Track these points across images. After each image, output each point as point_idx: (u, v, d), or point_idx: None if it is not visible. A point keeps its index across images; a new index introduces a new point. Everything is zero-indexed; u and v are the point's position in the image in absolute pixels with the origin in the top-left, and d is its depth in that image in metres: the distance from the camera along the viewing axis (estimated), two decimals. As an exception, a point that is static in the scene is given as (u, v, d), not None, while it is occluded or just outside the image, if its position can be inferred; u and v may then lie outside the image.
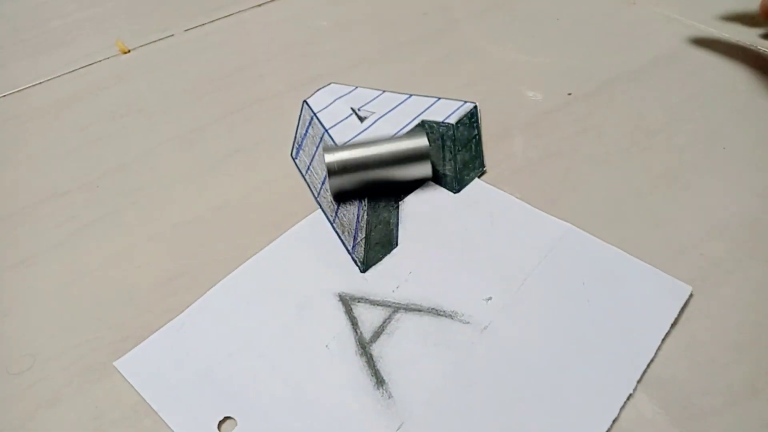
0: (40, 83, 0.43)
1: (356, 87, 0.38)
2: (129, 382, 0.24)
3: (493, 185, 0.31)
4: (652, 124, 0.35)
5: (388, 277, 0.27)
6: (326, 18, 0.48)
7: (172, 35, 0.47)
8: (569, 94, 0.38)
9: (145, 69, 0.44)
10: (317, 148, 0.34)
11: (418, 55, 0.43)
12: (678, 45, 0.42)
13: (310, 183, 0.32)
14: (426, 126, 0.34)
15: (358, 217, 0.29)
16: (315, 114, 0.36)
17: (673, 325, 0.25)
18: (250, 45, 0.46)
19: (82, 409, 0.24)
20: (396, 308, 0.26)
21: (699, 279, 0.26)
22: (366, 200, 0.30)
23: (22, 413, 0.24)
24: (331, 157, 0.29)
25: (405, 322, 0.25)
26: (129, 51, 0.46)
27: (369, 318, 0.26)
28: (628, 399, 0.23)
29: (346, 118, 0.35)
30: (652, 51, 0.41)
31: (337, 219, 0.30)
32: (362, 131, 0.34)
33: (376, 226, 0.29)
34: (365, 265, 0.28)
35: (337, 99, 0.37)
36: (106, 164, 0.36)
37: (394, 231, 0.29)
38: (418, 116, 0.34)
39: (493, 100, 0.37)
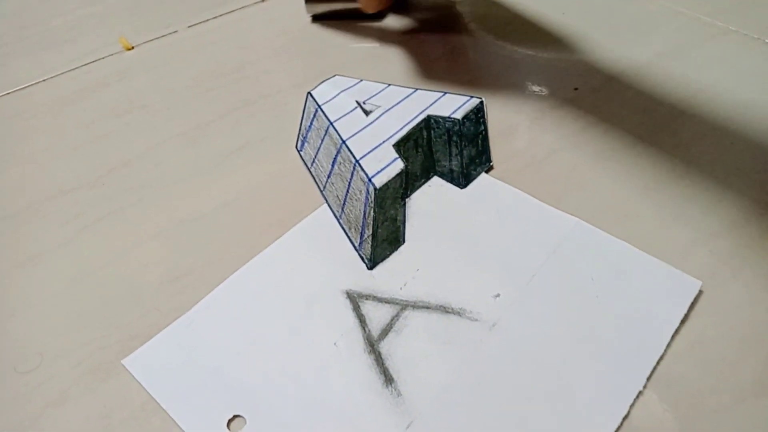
0: (44, 80, 0.43)
1: (361, 80, 0.38)
2: (137, 381, 0.24)
3: (500, 180, 0.31)
4: (658, 119, 0.35)
5: (396, 274, 0.27)
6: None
7: (176, 31, 0.47)
8: (576, 89, 0.38)
9: (149, 65, 0.44)
10: (322, 140, 0.33)
11: (420, 50, 0.42)
12: (684, 39, 0.42)
13: (315, 176, 0.32)
14: (432, 121, 0.33)
15: (364, 214, 0.29)
16: (319, 106, 0.36)
17: (682, 322, 0.25)
18: (253, 41, 0.46)
19: (90, 408, 0.24)
20: (404, 306, 0.26)
21: (707, 275, 0.26)
22: (373, 196, 0.29)
23: (31, 412, 0.24)
24: None
25: (413, 319, 0.25)
26: (132, 48, 0.45)
27: (377, 315, 0.26)
28: (638, 396, 0.23)
29: (351, 111, 0.35)
30: (658, 45, 0.41)
31: (343, 215, 0.30)
32: (367, 125, 0.34)
33: (383, 223, 0.29)
34: (372, 262, 0.28)
35: (341, 91, 0.37)
36: (111, 161, 0.35)
37: (401, 228, 0.29)
38: (423, 111, 0.34)
39: (499, 96, 0.37)
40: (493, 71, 0.40)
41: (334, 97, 0.36)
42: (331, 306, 0.26)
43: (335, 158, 0.32)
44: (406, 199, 0.30)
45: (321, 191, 0.31)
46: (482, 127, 0.33)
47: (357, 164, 0.30)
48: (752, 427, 0.22)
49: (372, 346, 0.25)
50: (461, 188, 0.31)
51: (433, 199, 0.31)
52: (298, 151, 0.34)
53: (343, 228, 0.29)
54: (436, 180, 0.32)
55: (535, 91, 0.38)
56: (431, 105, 0.34)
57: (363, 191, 0.30)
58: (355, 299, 0.26)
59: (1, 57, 0.46)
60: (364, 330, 0.25)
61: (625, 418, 0.22)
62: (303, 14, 0.48)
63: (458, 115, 0.33)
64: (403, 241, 0.29)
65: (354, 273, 0.27)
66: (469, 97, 0.35)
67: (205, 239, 0.30)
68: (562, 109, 0.36)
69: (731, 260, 0.27)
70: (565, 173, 0.32)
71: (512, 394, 0.23)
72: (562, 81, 0.38)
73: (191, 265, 0.29)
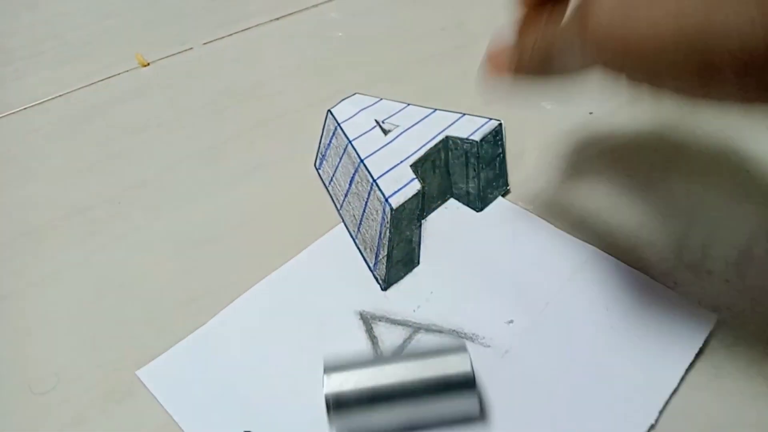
0: (60, 96, 0.43)
1: (381, 99, 0.38)
2: (152, 405, 0.24)
3: (516, 204, 0.31)
4: (672, 147, 0.35)
5: (410, 296, 0.27)
6: (344, 32, 0.48)
7: (191, 48, 0.48)
8: (591, 113, 0.37)
9: (165, 83, 0.44)
10: (341, 159, 0.34)
11: (436, 71, 0.43)
12: None
13: (333, 194, 0.32)
14: (450, 142, 0.34)
15: (380, 234, 0.29)
16: (339, 124, 0.36)
17: (698, 355, 0.24)
18: (268, 59, 0.46)
19: (106, 430, 0.24)
20: (416, 328, 0.26)
21: (725, 306, 0.26)
22: (389, 217, 0.30)
23: None
24: (332, 386, 0.21)
25: (425, 343, 0.25)
26: (148, 64, 0.46)
27: (389, 337, 0.26)
28: (650, 429, 0.22)
29: (370, 130, 0.35)
30: None
31: (359, 234, 0.30)
32: (386, 144, 0.34)
33: (398, 244, 0.29)
34: (387, 284, 0.28)
35: (361, 110, 0.37)
36: (127, 180, 0.36)
37: (416, 249, 0.29)
38: (442, 132, 0.34)
39: (514, 118, 0.37)
40: (508, 94, 0.40)
41: (354, 115, 0.36)
42: (343, 326, 0.26)
43: (353, 177, 0.32)
44: (422, 221, 0.30)
45: (338, 210, 0.31)
46: (500, 150, 0.33)
47: (374, 184, 0.30)
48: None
49: (384, 368, 0.25)
50: (477, 211, 0.31)
51: (448, 221, 0.31)
52: (317, 169, 0.34)
53: (358, 248, 0.30)
54: (452, 202, 0.32)
55: (549, 115, 0.38)
56: (450, 126, 0.35)
57: (379, 211, 0.30)
58: (368, 320, 0.26)
59: (17, 72, 0.47)
60: (377, 352, 0.25)
61: (637, 451, 0.22)
62: (319, 32, 0.48)
63: (476, 137, 0.33)
64: (418, 263, 0.29)
65: (368, 294, 0.28)
66: (487, 119, 0.35)
67: (222, 260, 0.30)
68: (577, 133, 0.36)
69: (750, 291, 0.27)
70: (580, 199, 0.32)
71: (522, 423, 0.23)
72: (577, 105, 0.38)
73: (207, 287, 0.29)
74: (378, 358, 0.24)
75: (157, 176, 0.36)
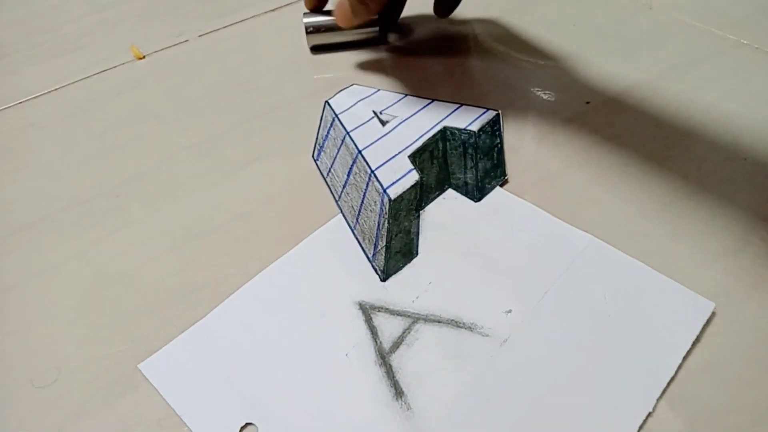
0: (56, 89, 0.43)
1: (378, 89, 0.38)
2: (153, 397, 0.24)
3: (514, 194, 0.31)
4: (671, 133, 0.35)
5: (408, 286, 0.27)
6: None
7: (187, 40, 0.47)
8: (587, 102, 0.37)
9: (161, 75, 0.44)
10: (338, 150, 0.34)
11: (434, 61, 0.42)
12: (696, 52, 0.41)
13: (331, 185, 0.32)
14: (448, 133, 0.34)
15: (378, 225, 0.29)
16: (336, 115, 0.36)
17: (695, 342, 0.25)
18: (265, 50, 0.46)
19: (107, 423, 0.24)
20: (415, 319, 0.26)
21: (721, 294, 0.26)
22: (387, 207, 0.30)
23: (49, 427, 0.24)
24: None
25: (424, 333, 0.26)
26: (144, 57, 0.46)
27: (388, 328, 0.26)
28: (647, 416, 0.22)
29: (368, 121, 0.35)
30: (669, 58, 0.41)
31: (357, 225, 0.30)
32: (383, 135, 0.34)
33: (396, 235, 0.29)
34: (385, 274, 0.28)
35: (359, 101, 0.37)
36: (124, 172, 0.36)
37: (415, 240, 0.29)
38: (439, 122, 0.34)
39: (511, 109, 0.37)
40: (505, 85, 0.40)
41: (352, 106, 0.36)
42: (343, 317, 0.26)
43: (351, 168, 0.32)
44: (420, 211, 0.30)
45: (336, 201, 0.31)
46: (498, 140, 0.33)
47: (372, 174, 0.30)
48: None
49: (383, 358, 0.25)
50: (475, 201, 0.31)
51: (447, 211, 0.31)
52: (315, 160, 0.34)
53: (357, 239, 0.30)
54: (450, 192, 0.32)
55: (546, 105, 0.38)
56: (447, 116, 0.35)
57: (378, 202, 0.30)
58: (367, 311, 0.27)
59: (12, 65, 0.46)
60: (376, 342, 0.25)
61: (635, 438, 0.22)
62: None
63: (474, 127, 0.33)
64: (417, 254, 0.29)
65: (367, 284, 0.28)
66: (485, 109, 0.35)
67: (221, 251, 0.30)
68: (574, 122, 0.36)
69: (745, 278, 0.27)
70: (578, 188, 0.32)
71: (522, 411, 0.23)
72: (573, 94, 0.38)
73: (205, 279, 0.29)
74: None
75: (155, 169, 0.36)
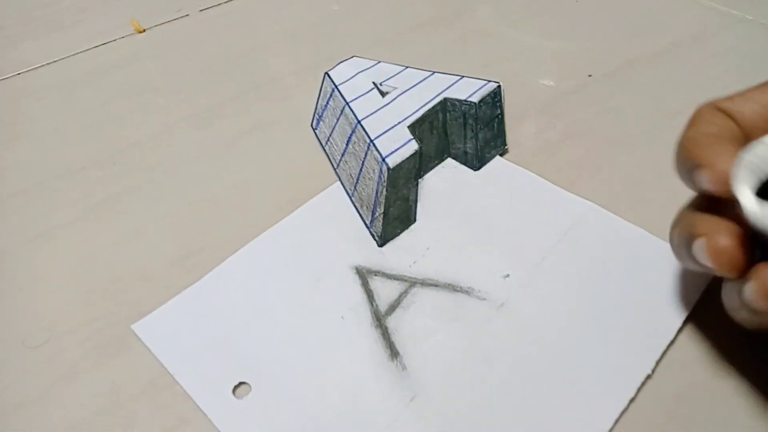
0: (55, 61, 0.43)
1: (379, 61, 0.38)
2: (145, 357, 0.24)
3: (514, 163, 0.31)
4: (672, 106, 0.35)
5: (406, 252, 0.27)
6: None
7: (187, 15, 0.47)
8: (589, 75, 0.37)
9: (160, 49, 0.44)
10: (337, 120, 0.34)
11: (433, 37, 0.42)
12: (698, 27, 0.41)
13: (329, 154, 0.32)
14: (448, 104, 0.33)
15: (377, 193, 0.29)
16: (336, 86, 0.36)
17: (695, 308, 0.24)
18: (264, 24, 0.46)
19: (99, 383, 0.24)
20: (412, 283, 0.26)
21: None
22: (386, 176, 0.29)
23: (40, 386, 0.24)
24: None
25: (421, 296, 0.25)
26: (144, 30, 0.46)
27: (385, 291, 0.26)
28: (646, 379, 0.22)
29: (368, 92, 0.35)
30: (672, 33, 0.41)
31: (356, 193, 0.30)
32: (383, 106, 0.34)
33: (395, 202, 0.29)
34: (383, 240, 0.28)
35: (359, 72, 0.37)
36: (122, 142, 0.36)
37: (413, 207, 0.29)
38: (440, 93, 0.34)
39: (512, 82, 0.37)
40: (508, 57, 0.40)
41: (352, 77, 0.36)
42: (339, 280, 0.26)
43: (350, 138, 0.32)
44: (420, 180, 0.30)
45: (335, 169, 0.31)
46: (498, 111, 0.33)
47: (371, 144, 0.30)
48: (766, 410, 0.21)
49: (379, 320, 0.25)
50: (475, 170, 0.31)
51: (446, 180, 0.30)
52: (314, 129, 0.34)
53: (355, 206, 0.29)
54: (450, 161, 0.32)
55: (549, 77, 0.38)
56: (448, 88, 0.34)
57: (376, 171, 0.30)
58: (364, 275, 0.26)
59: (11, 37, 0.46)
60: (372, 305, 0.25)
61: (632, 400, 0.22)
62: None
63: (475, 99, 0.33)
64: (415, 220, 0.29)
65: (364, 249, 0.27)
66: (486, 81, 0.35)
67: (216, 219, 0.30)
68: (576, 94, 0.36)
69: None
70: (578, 158, 0.32)
71: (518, 373, 0.23)
72: (576, 67, 0.38)
73: (201, 244, 0.29)
74: None
75: (152, 139, 0.36)
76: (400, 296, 0.25)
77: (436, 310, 0.25)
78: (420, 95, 0.34)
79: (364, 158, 0.30)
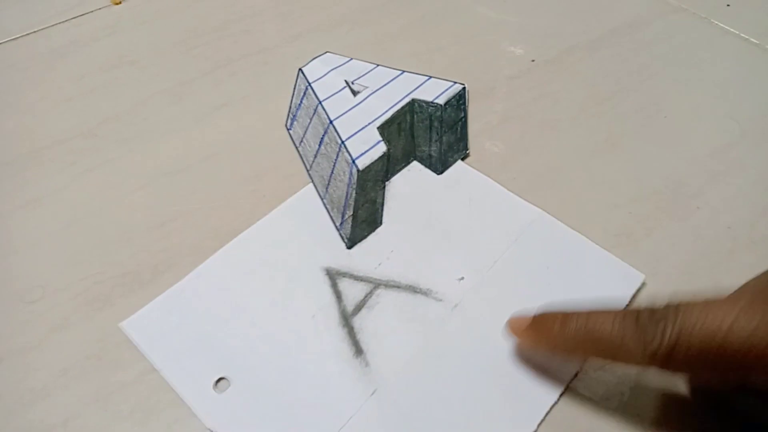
0: (35, 32, 0.44)
1: (351, 59, 0.39)
2: (127, 308, 0.28)
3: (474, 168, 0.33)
4: (603, 92, 0.38)
5: (372, 254, 0.30)
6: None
7: None
8: (532, 60, 0.41)
9: (137, 21, 0.45)
10: (311, 119, 0.35)
11: (397, 14, 0.45)
12: (637, 15, 0.44)
13: (303, 155, 0.34)
14: (416, 105, 0.35)
15: (347, 195, 0.31)
16: (310, 84, 0.37)
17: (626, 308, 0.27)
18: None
19: (88, 333, 0.27)
20: (377, 284, 0.29)
21: (624, 235, 0.31)
22: (356, 178, 0.32)
23: (37, 336, 0.27)
24: None
25: (384, 297, 0.28)
26: (120, 2, 0.47)
27: (352, 292, 0.28)
28: (576, 374, 0.26)
29: (340, 90, 0.36)
30: (612, 20, 0.44)
31: (327, 195, 0.32)
32: (354, 106, 0.35)
33: (363, 205, 0.31)
34: (351, 242, 0.30)
35: (331, 70, 0.38)
36: (102, 114, 0.38)
37: (380, 210, 0.31)
38: (408, 94, 0.35)
39: (462, 63, 0.41)
40: (454, 40, 0.43)
41: (324, 75, 0.37)
42: (311, 282, 0.29)
43: (322, 138, 0.34)
44: (387, 183, 0.32)
45: (308, 171, 0.33)
46: (462, 114, 0.35)
47: (342, 145, 0.32)
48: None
49: (346, 320, 0.27)
50: (438, 174, 0.33)
51: (410, 183, 0.33)
52: (288, 129, 0.36)
53: (326, 207, 0.32)
54: (415, 164, 0.34)
55: (494, 62, 0.41)
56: (416, 89, 0.36)
57: (347, 172, 0.32)
58: (333, 276, 0.29)
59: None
60: (340, 305, 0.28)
61: (563, 393, 0.25)
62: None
63: (441, 101, 0.35)
64: (381, 223, 0.31)
65: (334, 252, 0.30)
66: (452, 83, 0.36)
67: (190, 189, 0.33)
68: (519, 79, 0.40)
69: (645, 222, 0.31)
70: (513, 140, 0.35)
71: (468, 369, 0.26)
72: (520, 53, 0.41)
73: (177, 212, 0.32)
74: None
75: (130, 111, 0.38)
76: (365, 297, 0.28)
77: (397, 311, 0.28)
78: (389, 96, 0.36)
79: (336, 159, 0.32)
